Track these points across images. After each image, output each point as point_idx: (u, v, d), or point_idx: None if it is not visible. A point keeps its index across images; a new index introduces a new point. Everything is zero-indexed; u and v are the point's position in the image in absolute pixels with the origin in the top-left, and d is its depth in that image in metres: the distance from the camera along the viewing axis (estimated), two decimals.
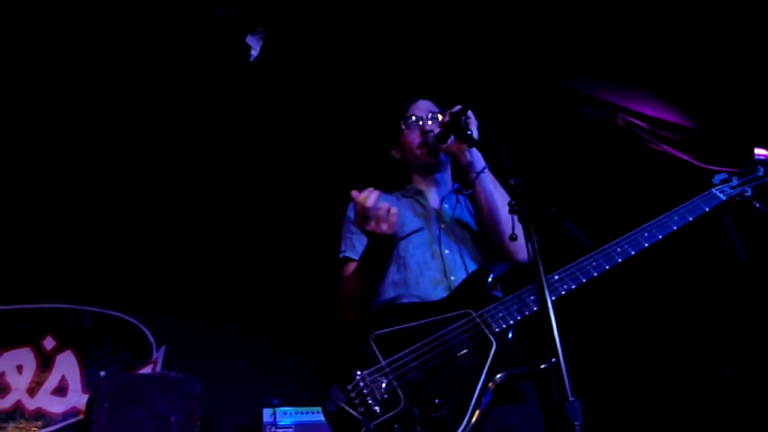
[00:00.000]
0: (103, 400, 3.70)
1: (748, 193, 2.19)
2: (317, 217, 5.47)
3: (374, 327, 1.91)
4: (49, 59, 4.09)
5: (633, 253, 1.93)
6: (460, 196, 2.35)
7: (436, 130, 2.19)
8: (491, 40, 4.00)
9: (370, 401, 1.76)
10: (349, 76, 4.26)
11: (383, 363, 1.82)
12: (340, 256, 2.25)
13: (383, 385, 1.79)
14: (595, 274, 1.88)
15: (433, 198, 2.35)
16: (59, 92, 4.37)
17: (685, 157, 4.26)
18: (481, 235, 2.19)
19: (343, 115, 4.66)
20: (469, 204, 2.33)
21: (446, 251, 2.14)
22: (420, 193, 2.36)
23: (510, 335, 1.85)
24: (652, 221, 2.02)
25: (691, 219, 2.05)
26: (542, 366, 1.73)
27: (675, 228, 2.02)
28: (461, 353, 1.82)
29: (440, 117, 2.21)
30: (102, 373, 3.86)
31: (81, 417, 4.43)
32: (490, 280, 1.96)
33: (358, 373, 1.82)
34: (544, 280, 1.47)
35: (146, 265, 5.04)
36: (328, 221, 5.41)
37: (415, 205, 2.32)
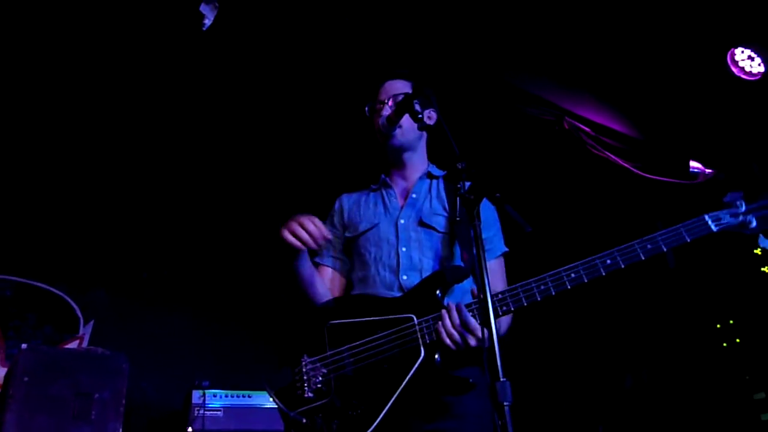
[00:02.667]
0: (23, 374, 3.52)
1: (754, 225, 1.79)
2: (258, 198, 5.41)
3: (333, 316, 2.00)
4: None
5: (587, 281, 1.78)
6: (433, 181, 2.26)
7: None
8: (447, 33, 4.03)
9: (306, 387, 1.89)
10: (305, 57, 4.22)
11: (328, 353, 1.93)
12: (314, 259, 2.30)
13: (320, 375, 1.90)
14: (539, 299, 1.78)
15: (400, 186, 2.29)
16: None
17: (627, 165, 4.39)
18: (446, 231, 2.09)
19: (291, 92, 4.60)
20: (443, 189, 2.22)
21: (403, 249, 2.09)
22: (386, 184, 2.30)
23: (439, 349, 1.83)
24: (620, 246, 1.79)
25: (665, 249, 1.77)
26: (470, 380, 1.78)
27: (643, 258, 1.77)
28: (392, 359, 1.84)
29: (398, 100, 2.18)
30: (23, 346, 3.67)
31: None
32: (440, 287, 1.91)
33: (305, 358, 1.94)
34: (484, 264, 1.47)
35: (79, 236, 4.85)
36: (268, 202, 5.41)
37: (379, 199, 2.28)
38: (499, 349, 1.39)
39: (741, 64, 4.43)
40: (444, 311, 1.80)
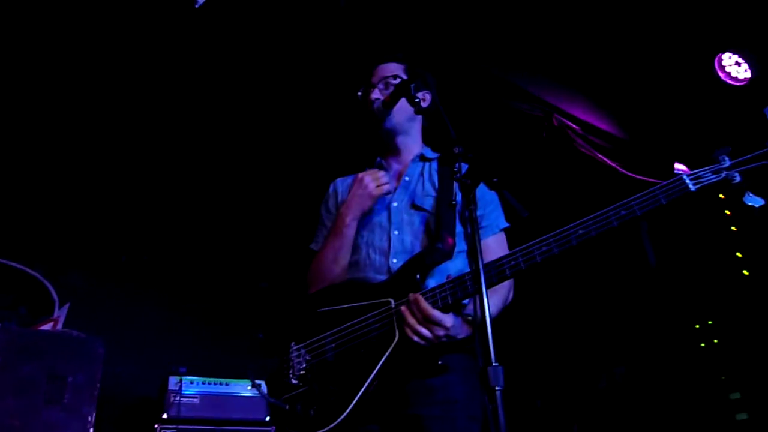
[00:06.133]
0: None
1: (737, 180, 1.65)
2: (238, 186, 5.36)
3: (321, 303, 2.00)
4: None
5: (557, 252, 1.67)
6: (426, 164, 2.24)
7: (382, 98, 2.16)
8: (440, 24, 4.02)
9: (291, 374, 1.90)
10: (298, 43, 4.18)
11: (313, 339, 1.93)
12: (310, 246, 2.31)
13: (304, 362, 1.90)
14: (508, 274, 1.72)
15: (394, 169, 2.28)
16: None
17: (613, 165, 4.43)
18: (436, 214, 2.06)
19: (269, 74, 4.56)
20: (435, 171, 2.19)
21: (395, 232, 2.07)
22: (381, 167, 2.29)
23: None
24: (594, 215, 1.68)
25: (640, 214, 1.64)
26: (439, 362, 1.77)
27: (616, 225, 1.65)
28: (369, 342, 1.83)
29: (389, 82, 2.19)
30: None
31: None
32: (419, 269, 1.88)
33: (293, 345, 1.95)
34: (479, 248, 1.46)
35: (57, 217, 4.76)
36: (249, 191, 5.36)
37: None
38: (492, 333, 1.37)
39: (728, 69, 4.47)
40: (404, 308, 1.78)
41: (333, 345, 1.88)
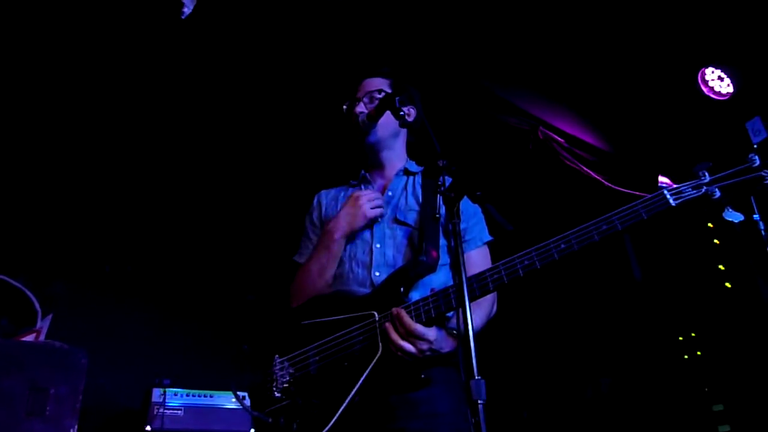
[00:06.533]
0: None
1: (717, 196, 1.66)
2: (225, 198, 5.35)
3: (305, 316, 2.00)
4: None
5: (539, 266, 1.69)
6: (410, 177, 2.27)
7: (367, 112, 2.17)
8: (428, 37, 4.06)
9: (274, 387, 1.89)
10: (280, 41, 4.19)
11: (296, 352, 1.93)
12: (294, 257, 2.31)
13: (288, 375, 1.90)
14: (491, 287, 1.74)
15: (378, 183, 2.30)
16: None
17: (598, 178, 4.47)
18: (419, 227, 2.07)
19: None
20: (419, 185, 2.21)
21: (377, 245, 2.09)
22: (366, 180, 2.31)
23: None
24: (575, 229, 1.69)
25: (621, 228, 1.65)
26: (422, 376, 1.78)
27: (597, 239, 1.66)
28: (352, 356, 1.84)
29: (374, 97, 2.20)
30: None
31: None
32: (403, 282, 1.89)
33: (277, 358, 1.95)
34: (462, 261, 1.47)
35: (40, 227, 4.71)
36: (236, 202, 5.35)
37: None
38: (475, 346, 1.37)
39: (711, 83, 4.53)
40: (387, 323, 1.79)
41: (316, 358, 1.88)
